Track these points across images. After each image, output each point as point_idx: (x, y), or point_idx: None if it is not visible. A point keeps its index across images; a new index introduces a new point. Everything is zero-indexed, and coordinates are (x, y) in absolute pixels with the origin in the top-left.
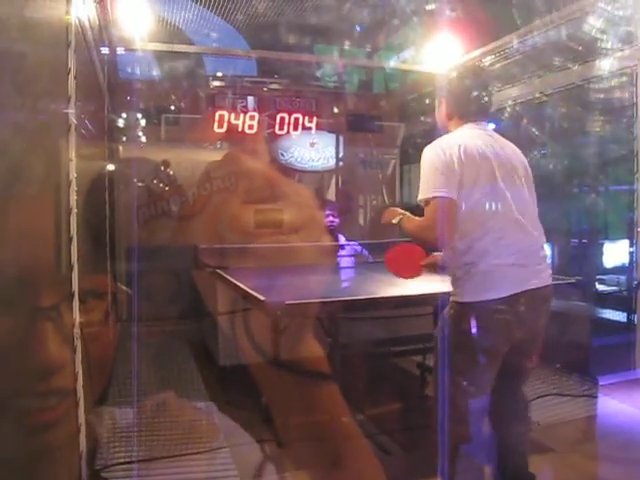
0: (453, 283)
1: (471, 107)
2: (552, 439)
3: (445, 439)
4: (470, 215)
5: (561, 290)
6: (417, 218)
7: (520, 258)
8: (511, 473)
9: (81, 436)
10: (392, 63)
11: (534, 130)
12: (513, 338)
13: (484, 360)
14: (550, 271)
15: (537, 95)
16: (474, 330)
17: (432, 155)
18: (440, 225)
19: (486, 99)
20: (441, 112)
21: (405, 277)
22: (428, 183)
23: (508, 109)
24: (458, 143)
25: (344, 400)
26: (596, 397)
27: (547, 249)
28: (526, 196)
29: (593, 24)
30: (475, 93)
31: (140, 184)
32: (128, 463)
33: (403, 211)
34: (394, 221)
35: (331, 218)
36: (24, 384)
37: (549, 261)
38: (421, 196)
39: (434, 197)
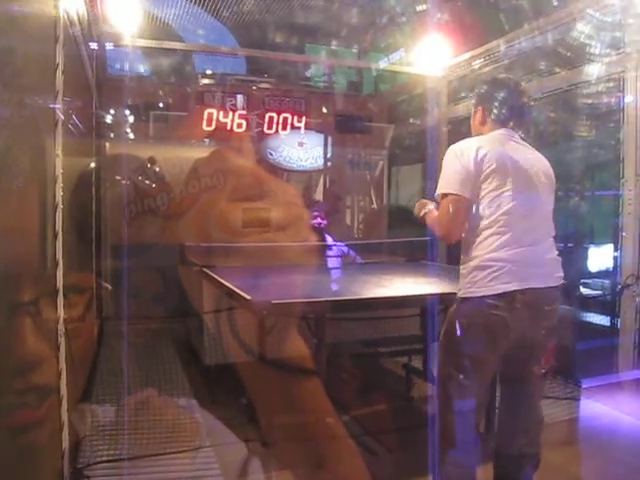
0: (461, 279)
1: (505, 115)
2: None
3: (435, 440)
4: (481, 212)
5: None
6: (444, 205)
7: (529, 256)
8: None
9: (64, 434)
10: (382, 64)
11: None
12: (514, 334)
13: (484, 357)
14: (561, 272)
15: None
16: (478, 325)
17: (451, 154)
18: (449, 221)
19: (520, 109)
20: (476, 119)
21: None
22: (443, 180)
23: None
24: (477, 145)
25: (327, 396)
26: (579, 400)
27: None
28: (542, 201)
29: (581, 30)
30: (511, 102)
31: (127, 181)
32: (111, 462)
33: (431, 205)
34: (422, 213)
35: (319, 219)
36: (6, 381)
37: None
38: (437, 191)
39: (446, 194)
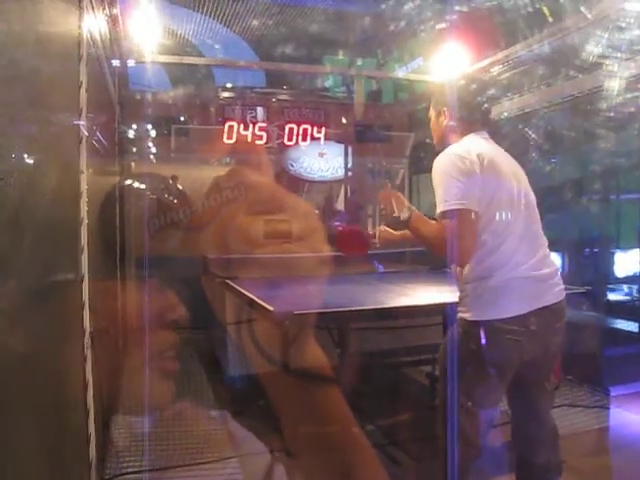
0: (462, 299)
1: (477, 116)
2: (563, 451)
3: (454, 450)
4: (485, 226)
5: (571, 300)
6: (430, 221)
7: (534, 272)
8: None
9: (90, 445)
10: (400, 73)
11: (543, 139)
12: (526, 358)
13: (494, 380)
14: (562, 285)
15: (545, 104)
16: (483, 350)
17: (448, 164)
18: (466, 242)
19: (487, 109)
20: (440, 123)
21: (354, 254)
22: (446, 194)
23: (516, 118)
24: (477, 151)
25: (347, 404)
26: (608, 408)
27: (556, 261)
28: (532, 207)
29: (601, 34)
30: (479, 103)
31: (150, 195)
32: (136, 473)
33: (409, 204)
34: (402, 216)
35: (340, 228)
36: (32, 394)
37: (559, 273)
38: (440, 209)
39: (453, 210)
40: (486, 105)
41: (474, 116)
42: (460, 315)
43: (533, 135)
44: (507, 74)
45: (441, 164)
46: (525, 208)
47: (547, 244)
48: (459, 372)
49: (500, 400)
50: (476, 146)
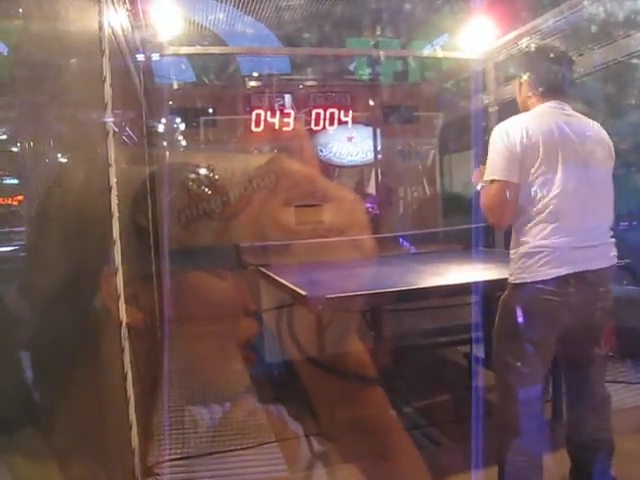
0: (512, 265)
1: (552, 85)
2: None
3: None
4: (533, 196)
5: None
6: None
7: (581, 239)
8: (588, 473)
9: (132, 433)
10: (426, 51)
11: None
12: (570, 319)
13: (540, 342)
14: (614, 253)
15: (577, 74)
16: (524, 312)
17: (496, 137)
18: (498, 209)
19: (567, 78)
20: (522, 92)
21: None
22: (491, 165)
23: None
24: (524, 125)
25: (389, 403)
26: None
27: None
28: (598, 180)
29: None
30: (557, 70)
31: (181, 186)
32: (179, 459)
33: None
34: (478, 186)
35: (371, 210)
36: (74, 385)
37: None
38: (485, 177)
39: (494, 180)
40: (564, 73)
41: (546, 84)
42: (509, 280)
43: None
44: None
45: (492, 136)
46: (587, 180)
47: (612, 217)
48: (506, 333)
49: (547, 366)
50: (532, 118)
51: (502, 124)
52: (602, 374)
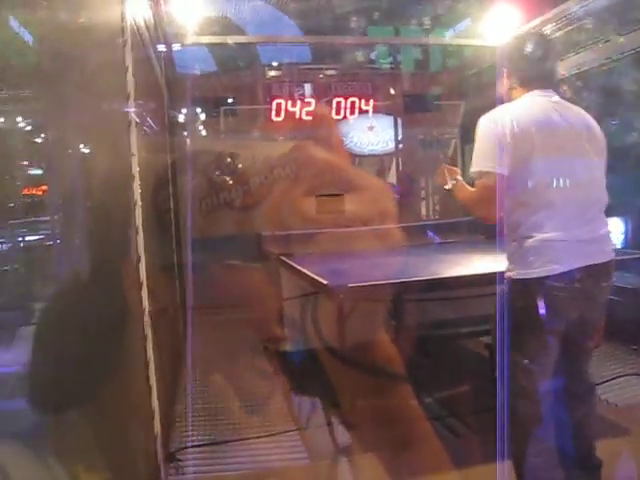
0: (508, 258)
1: (532, 74)
2: (630, 420)
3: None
4: (525, 187)
5: (632, 265)
6: (469, 188)
7: (578, 232)
8: (577, 457)
9: (155, 419)
10: (448, 39)
11: (602, 98)
12: (570, 315)
13: (544, 338)
14: (612, 246)
15: (604, 61)
16: (529, 307)
17: (484, 127)
18: (487, 201)
19: (549, 65)
20: (504, 83)
21: None
22: (478, 156)
23: (573, 77)
24: (512, 114)
25: (417, 401)
26: None
27: (611, 222)
28: (590, 168)
29: None
30: (536, 58)
31: (203, 176)
32: (201, 446)
33: (458, 175)
34: (447, 187)
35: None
36: (98, 372)
37: (611, 236)
38: (472, 169)
39: (485, 172)
40: (546, 62)
41: (529, 73)
42: (507, 275)
43: (593, 93)
44: (560, 32)
45: (479, 126)
46: (583, 169)
47: (605, 207)
48: (511, 333)
49: (555, 357)
50: (520, 108)
51: (488, 114)
52: (588, 363)
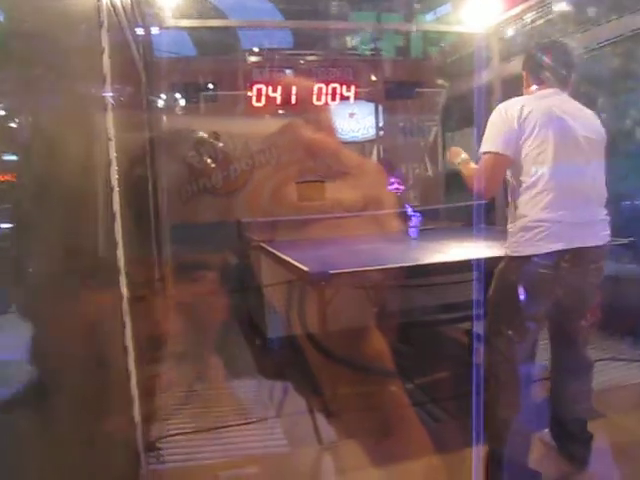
0: (509, 238)
1: (543, 73)
2: (606, 404)
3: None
4: (527, 171)
5: (613, 252)
6: (473, 165)
7: (577, 216)
8: (569, 432)
9: (135, 408)
10: (429, 26)
11: (582, 87)
12: (562, 292)
13: (532, 312)
14: (608, 231)
15: (584, 50)
16: (525, 283)
17: (495, 113)
18: (491, 179)
19: (566, 69)
20: (524, 84)
21: None
22: (487, 138)
23: None
24: (522, 103)
25: (406, 397)
26: None
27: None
28: (590, 161)
29: None
30: (557, 62)
31: (182, 161)
32: (182, 434)
33: (465, 154)
34: (456, 161)
35: (396, 185)
36: (75, 360)
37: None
38: (482, 149)
39: (488, 152)
40: (559, 64)
41: (540, 73)
42: (506, 252)
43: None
44: (541, 20)
45: (493, 112)
46: (583, 160)
47: (605, 195)
48: (500, 302)
49: (537, 335)
50: (529, 99)
51: (503, 103)
52: (586, 341)
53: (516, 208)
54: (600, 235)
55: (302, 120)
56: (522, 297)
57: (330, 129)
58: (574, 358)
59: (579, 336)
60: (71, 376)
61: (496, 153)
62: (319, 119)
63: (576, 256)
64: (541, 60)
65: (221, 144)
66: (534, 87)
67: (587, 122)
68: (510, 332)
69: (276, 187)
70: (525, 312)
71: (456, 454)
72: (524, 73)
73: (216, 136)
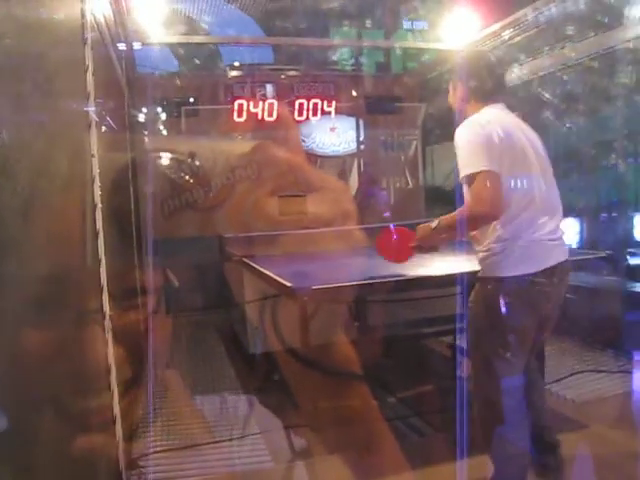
0: (486, 258)
1: (491, 88)
2: (588, 416)
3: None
4: (508, 191)
5: (592, 265)
6: (449, 215)
7: (551, 234)
8: (538, 439)
9: (117, 426)
10: (409, 42)
11: (559, 102)
12: (546, 310)
13: (522, 334)
14: (567, 245)
15: (559, 67)
16: (513, 304)
17: (470, 132)
18: (495, 199)
19: (502, 81)
20: (457, 95)
21: (396, 261)
22: (471, 159)
23: (531, 82)
24: (495, 120)
25: (371, 396)
26: (631, 373)
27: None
28: (549, 174)
29: None
30: (493, 75)
31: (164, 177)
32: (164, 451)
33: (432, 222)
34: (433, 225)
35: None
36: (57, 378)
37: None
38: (466, 172)
39: (481, 171)
40: (502, 77)
41: (488, 88)
42: (482, 275)
43: (548, 98)
44: (518, 38)
45: (464, 132)
46: (544, 177)
47: (562, 210)
48: (487, 331)
49: (529, 351)
50: (494, 117)
51: (468, 121)
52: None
53: (497, 228)
54: (566, 250)
55: (271, 141)
56: (508, 317)
57: (297, 148)
58: (534, 370)
59: (538, 349)
60: (52, 393)
61: (488, 171)
62: (289, 139)
63: (554, 272)
64: (487, 76)
65: (197, 162)
66: (477, 102)
67: (534, 137)
68: (509, 354)
69: (258, 201)
70: (512, 334)
71: (440, 467)
72: (459, 85)
73: (192, 155)
